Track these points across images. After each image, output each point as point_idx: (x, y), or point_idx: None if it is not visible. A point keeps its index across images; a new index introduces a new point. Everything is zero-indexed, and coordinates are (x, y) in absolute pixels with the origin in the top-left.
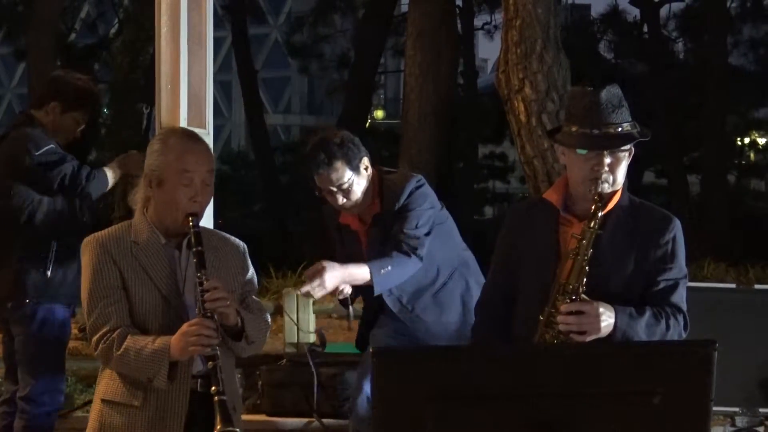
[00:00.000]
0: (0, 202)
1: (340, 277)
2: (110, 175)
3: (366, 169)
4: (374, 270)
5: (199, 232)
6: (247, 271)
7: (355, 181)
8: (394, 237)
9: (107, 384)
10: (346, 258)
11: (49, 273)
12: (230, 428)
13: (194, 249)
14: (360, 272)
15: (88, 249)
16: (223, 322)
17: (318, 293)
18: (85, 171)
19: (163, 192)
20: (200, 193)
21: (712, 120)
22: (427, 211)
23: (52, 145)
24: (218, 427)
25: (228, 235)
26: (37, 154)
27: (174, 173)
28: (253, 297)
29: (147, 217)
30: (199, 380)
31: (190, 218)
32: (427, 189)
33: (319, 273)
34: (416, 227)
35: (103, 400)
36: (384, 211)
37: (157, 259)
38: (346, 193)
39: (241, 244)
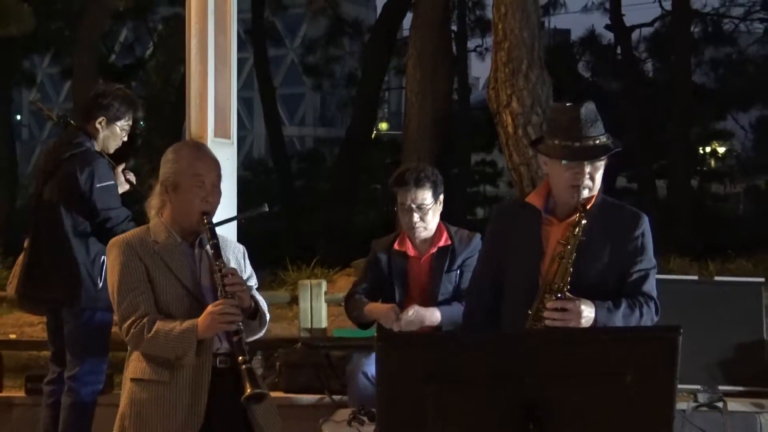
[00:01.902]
0: (57, 216)
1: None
2: None
3: (440, 203)
4: (444, 320)
5: (213, 227)
6: (248, 269)
7: (433, 208)
8: (460, 289)
9: (135, 365)
10: (378, 279)
11: (99, 284)
12: (259, 390)
13: (210, 241)
14: (435, 319)
15: (115, 248)
16: (240, 305)
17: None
18: (121, 227)
19: (179, 195)
20: (211, 193)
21: (677, 131)
22: None
23: (112, 182)
24: (248, 390)
25: (230, 239)
26: (98, 186)
27: (188, 178)
28: (255, 291)
29: (162, 221)
30: (218, 357)
31: (204, 216)
32: None
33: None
34: None
35: (132, 379)
36: (453, 247)
37: (176, 256)
38: (423, 215)
39: (241, 246)
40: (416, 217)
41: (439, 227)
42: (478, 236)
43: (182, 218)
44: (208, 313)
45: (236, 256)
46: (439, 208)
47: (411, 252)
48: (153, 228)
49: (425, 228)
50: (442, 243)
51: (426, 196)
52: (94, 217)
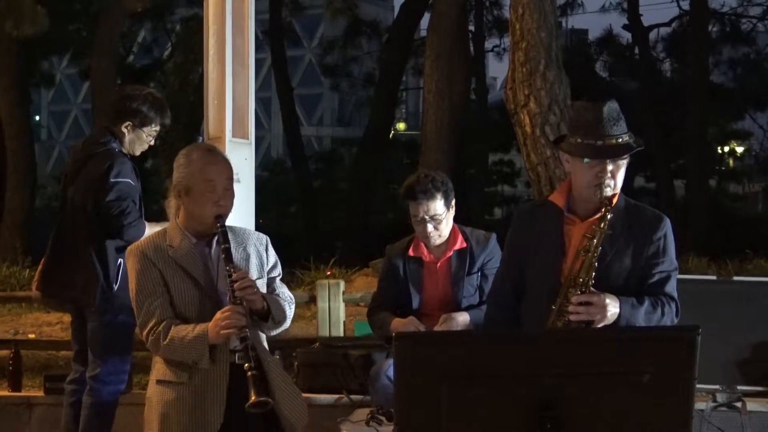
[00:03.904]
0: (81, 216)
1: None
2: (148, 233)
3: (452, 208)
4: (473, 321)
5: (225, 231)
6: (271, 259)
7: (446, 216)
8: (484, 292)
9: (159, 368)
10: (396, 286)
11: (114, 287)
12: (263, 398)
13: (222, 246)
14: (464, 322)
15: (131, 257)
16: (251, 307)
17: None
18: (132, 217)
19: (191, 199)
20: (223, 197)
21: (695, 131)
22: None
23: (128, 180)
24: (252, 398)
25: (252, 230)
26: (112, 180)
27: (199, 183)
28: (279, 281)
29: (178, 223)
30: (236, 354)
31: (217, 219)
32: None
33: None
34: None
35: (158, 381)
36: (470, 249)
37: (191, 257)
38: (437, 224)
39: (264, 236)
40: (430, 227)
41: (452, 230)
42: (494, 236)
43: (195, 222)
44: (214, 320)
45: (257, 249)
46: (452, 213)
47: (426, 257)
48: (169, 232)
49: (440, 236)
50: (457, 246)
51: (438, 206)
52: (107, 208)
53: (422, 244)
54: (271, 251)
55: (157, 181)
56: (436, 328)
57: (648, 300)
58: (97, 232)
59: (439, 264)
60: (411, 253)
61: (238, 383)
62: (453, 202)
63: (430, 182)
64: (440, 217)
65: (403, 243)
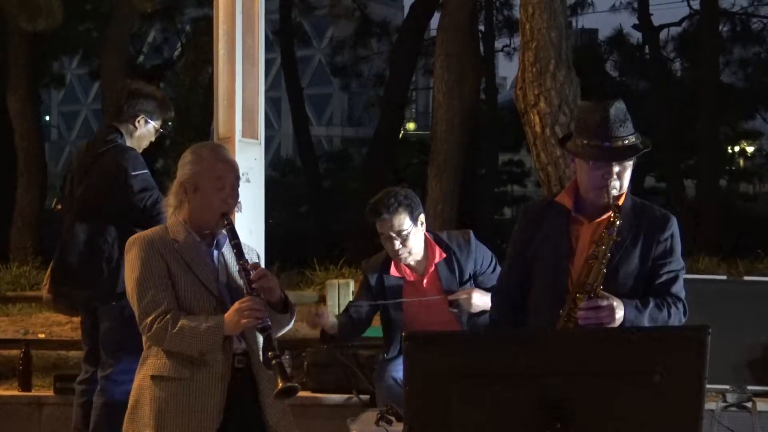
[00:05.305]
0: (92, 213)
1: (483, 303)
2: None
3: (422, 224)
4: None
5: (233, 228)
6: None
7: (413, 231)
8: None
9: (154, 362)
10: (371, 306)
11: None
12: (289, 384)
13: (232, 241)
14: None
15: (135, 245)
16: (270, 299)
17: (464, 304)
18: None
19: (199, 196)
20: (230, 195)
21: (706, 131)
22: (496, 266)
23: (146, 171)
24: (280, 385)
25: (243, 243)
26: (133, 174)
27: (208, 180)
28: None
29: (180, 220)
30: (236, 357)
31: (223, 217)
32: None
33: (468, 292)
34: None
35: (152, 377)
36: (454, 257)
37: (196, 255)
38: (404, 240)
39: (255, 250)
40: (397, 243)
41: (428, 244)
42: (471, 234)
43: (201, 219)
44: (234, 310)
45: (251, 259)
46: (421, 229)
47: (409, 276)
48: (171, 227)
49: (409, 253)
50: (437, 258)
51: (403, 222)
52: (133, 204)
53: (402, 264)
54: (262, 264)
55: (167, 181)
56: (465, 295)
57: (653, 302)
58: (113, 227)
59: (425, 281)
60: (393, 272)
61: (237, 386)
62: (421, 218)
63: (393, 197)
64: (406, 233)
65: (379, 259)
